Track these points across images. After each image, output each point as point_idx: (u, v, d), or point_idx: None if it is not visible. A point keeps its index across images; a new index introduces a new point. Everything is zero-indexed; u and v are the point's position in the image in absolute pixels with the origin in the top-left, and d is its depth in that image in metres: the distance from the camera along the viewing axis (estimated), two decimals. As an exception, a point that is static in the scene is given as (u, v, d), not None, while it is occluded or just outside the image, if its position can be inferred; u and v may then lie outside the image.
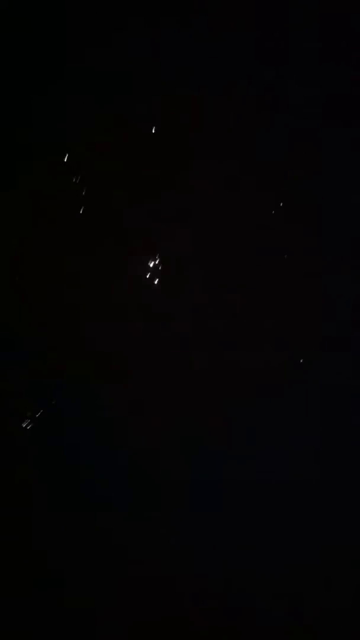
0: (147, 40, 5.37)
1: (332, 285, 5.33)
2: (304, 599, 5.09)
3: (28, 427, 5.29)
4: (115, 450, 5.23)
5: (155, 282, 5.37)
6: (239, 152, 5.38)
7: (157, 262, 5.38)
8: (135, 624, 5.05)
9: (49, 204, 5.38)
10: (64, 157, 5.39)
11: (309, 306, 5.33)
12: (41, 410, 5.29)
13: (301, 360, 5.30)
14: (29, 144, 5.41)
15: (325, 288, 5.33)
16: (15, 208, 5.39)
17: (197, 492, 5.18)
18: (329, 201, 5.41)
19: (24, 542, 5.16)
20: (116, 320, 5.33)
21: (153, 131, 5.40)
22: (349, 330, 5.30)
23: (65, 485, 5.21)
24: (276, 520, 5.17)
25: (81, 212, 5.39)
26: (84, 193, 5.40)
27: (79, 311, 5.33)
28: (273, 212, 5.39)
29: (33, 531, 5.18)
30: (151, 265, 5.38)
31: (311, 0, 5.36)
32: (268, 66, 5.37)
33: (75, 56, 5.38)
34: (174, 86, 5.35)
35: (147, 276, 5.38)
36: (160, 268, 5.38)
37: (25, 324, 5.32)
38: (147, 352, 5.33)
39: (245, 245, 5.38)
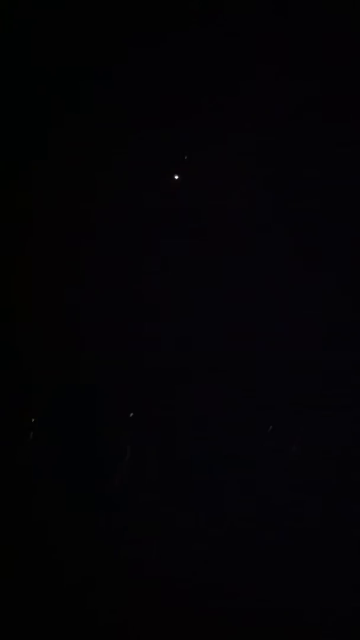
0: (147, 40, 5.40)
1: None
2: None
3: (28, 427, 5.29)
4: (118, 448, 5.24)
5: (157, 281, 5.38)
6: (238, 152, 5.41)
7: (158, 263, 5.40)
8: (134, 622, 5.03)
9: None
10: (64, 159, 5.42)
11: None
12: (41, 410, 5.30)
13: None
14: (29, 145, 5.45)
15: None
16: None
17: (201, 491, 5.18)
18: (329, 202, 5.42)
19: (23, 541, 5.15)
20: (116, 320, 5.35)
21: (153, 132, 5.43)
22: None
23: (65, 483, 5.21)
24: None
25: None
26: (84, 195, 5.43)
27: (80, 310, 5.35)
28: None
29: (33, 530, 5.16)
30: (152, 265, 5.39)
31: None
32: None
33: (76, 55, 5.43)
34: (173, 85, 5.39)
35: (149, 275, 5.39)
36: (162, 269, 5.39)
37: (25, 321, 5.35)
38: (146, 351, 5.34)
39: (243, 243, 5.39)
